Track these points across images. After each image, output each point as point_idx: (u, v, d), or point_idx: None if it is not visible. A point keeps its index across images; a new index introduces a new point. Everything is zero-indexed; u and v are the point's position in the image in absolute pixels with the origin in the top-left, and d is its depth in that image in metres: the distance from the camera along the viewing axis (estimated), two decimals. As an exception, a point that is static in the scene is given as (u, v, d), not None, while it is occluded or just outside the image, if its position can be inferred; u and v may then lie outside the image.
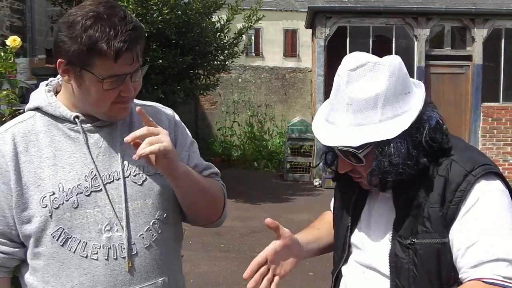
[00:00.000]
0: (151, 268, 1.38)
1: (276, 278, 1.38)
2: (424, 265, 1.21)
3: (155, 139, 1.26)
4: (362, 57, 1.24)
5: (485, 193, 1.20)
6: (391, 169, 1.21)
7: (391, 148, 1.21)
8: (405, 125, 1.20)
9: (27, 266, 1.36)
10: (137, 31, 1.28)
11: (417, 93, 1.27)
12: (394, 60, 1.24)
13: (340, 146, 1.25)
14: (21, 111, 2.17)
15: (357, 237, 1.39)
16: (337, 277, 1.45)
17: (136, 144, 1.26)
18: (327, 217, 1.62)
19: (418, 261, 1.22)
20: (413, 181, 1.25)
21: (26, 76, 7.05)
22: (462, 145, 1.31)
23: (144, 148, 1.24)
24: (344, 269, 1.43)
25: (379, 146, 1.22)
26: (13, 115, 2.11)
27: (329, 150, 1.38)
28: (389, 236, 1.28)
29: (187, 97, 9.39)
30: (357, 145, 1.22)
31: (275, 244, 1.39)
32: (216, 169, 1.61)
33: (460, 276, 1.20)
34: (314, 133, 1.33)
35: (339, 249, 1.44)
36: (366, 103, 1.20)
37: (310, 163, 11.61)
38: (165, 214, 1.42)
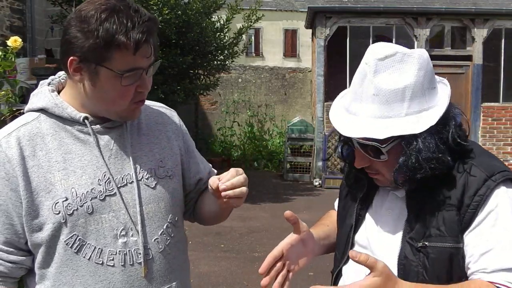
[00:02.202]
0: (166, 273, 1.36)
1: (290, 274, 1.35)
2: (435, 269, 1.17)
3: (245, 190, 1.29)
4: (391, 47, 1.21)
5: (504, 200, 1.17)
6: (423, 164, 1.16)
7: (419, 143, 1.16)
8: (433, 120, 1.17)
9: (34, 275, 1.31)
10: (153, 22, 1.24)
11: (442, 89, 1.25)
12: (423, 53, 1.21)
13: (364, 137, 1.19)
14: (21, 111, 2.17)
15: (362, 236, 1.36)
16: (337, 276, 1.42)
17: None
18: (334, 215, 1.60)
19: (429, 265, 1.18)
20: (429, 182, 1.21)
21: (26, 76, 7.04)
22: (479, 150, 1.28)
23: (238, 196, 1.28)
24: (345, 268, 1.40)
25: (406, 141, 1.18)
26: (13, 115, 2.11)
27: (346, 142, 1.32)
28: (398, 237, 1.24)
29: (187, 97, 9.39)
30: (382, 137, 1.16)
31: (291, 238, 1.34)
32: (214, 170, 1.62)
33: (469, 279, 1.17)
34: (333, 123, 1.26)
35: (341, 248, 1.41)
36: (394, 94, 1.16)
37: (310, 163, 11.62)
38: (176, 217, 1.40)
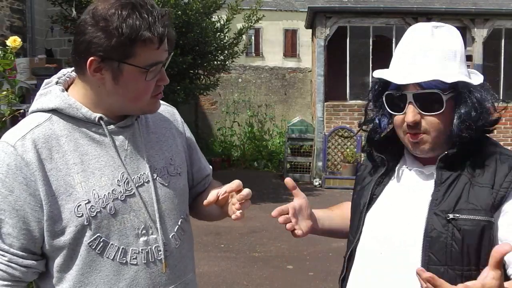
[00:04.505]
0: (182, 266, 1.40)
1: (295, 232, 1.44)
2: (466, 240, 1.23)
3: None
4: (439, 23, 1.37)
5: None
6: (482, 111, 1.27)
7: (477, 95, 1.28)
8: (481, 80, 1.31)
9: (48, 278, 1.31)
10: (168, 16, 1.26)
11: (473, 72, 1.38)
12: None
13: (433, 80, 1.27)
14: (20, 111, 2.17)
15: (374, 214, 1.42)
16: (350, 258, 1.47)
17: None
18: (344, 207, 1.67)
19: (460, 236, 1.24)
20: (459, 161, 1.30)
21: (26, 76, 7.04)
22: (499, 145, 1.38)
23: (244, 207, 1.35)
24: (359, 249, 1.44)
25: (468, 91, 1.28)
26: (13, 115, 2.11)
27: (384, 113, 1.42)
28: (424, 211, 1.30)
29: (187, 97, 9.39)
30: (450, 81, 1.26)
31: (294, 202, 1.47)
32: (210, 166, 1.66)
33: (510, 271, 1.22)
34: (388, 78, 1.33)
35: (354, 227, 1.47)
36: (449, 53, 1.30)
37: (310, 163, 11.61)
38: (186, 213, 1.45)
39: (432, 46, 1.30)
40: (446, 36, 1.32)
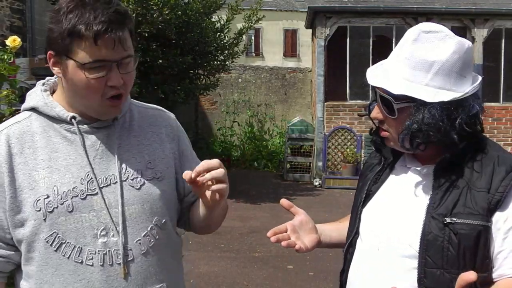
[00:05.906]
0: (148, 275, 1.34)
1: (295, 247, 1.45)
2: (462, 244, 1.24)
3: (222, 177, 1.26)
4: (439, 26, 1.33)
5: None
6: (422, 128, 1.27)
7: (426, 111, 1.27)
8: (446, 98, 1.26)
9: (21, 272, 1.33)
10: (121, 15, 1.24)
11: (471, 83, 1.33)
12: (464, 42, 1.31)
13: (380, 87, 1.32)
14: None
15: (370, 210, 1.44)
16: (347, 252, 1.49)
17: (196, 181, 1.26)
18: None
19: (456, 240, 1.24)
20: (458, 163, 1.30)
21: (26, 76, 7.06)
22: (497, 146, 1.39)
23: (217, 187, 1.27)
24: (358, 242, 1.46)
25: (416, 107, 1.28)
26: (13, 115, 2.11)
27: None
28: (421, 213, 1.30)
29: (187, 97, 9.38)
30: (395, 93, 1.28)
31: (293, 220, 1.52)
32: None
33: (496, 274, 1.24)
34: (367, 74, 1.39)
35: (352, 223, 1.50)
36: (422, 64, 1.28)
37: (310, 163, 11.61)
38: (164, 220, 1.38)
39: (408, 53, 1.30)
40: (431, 44, 1.29)
